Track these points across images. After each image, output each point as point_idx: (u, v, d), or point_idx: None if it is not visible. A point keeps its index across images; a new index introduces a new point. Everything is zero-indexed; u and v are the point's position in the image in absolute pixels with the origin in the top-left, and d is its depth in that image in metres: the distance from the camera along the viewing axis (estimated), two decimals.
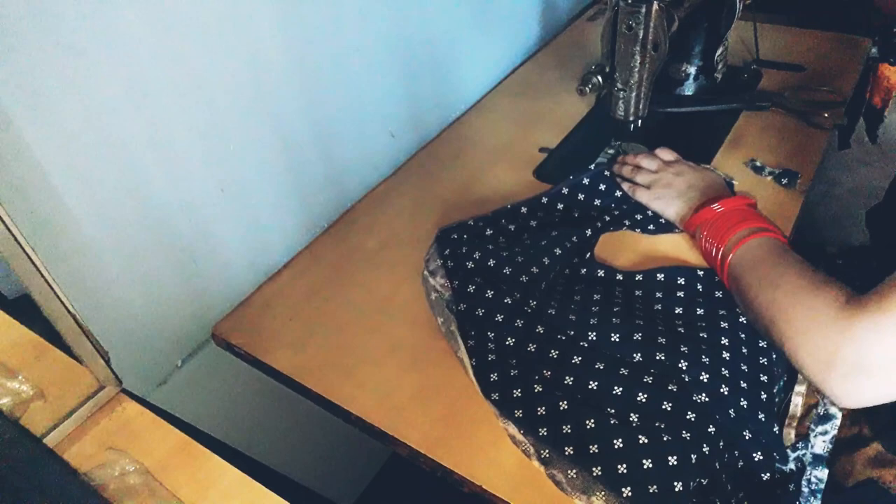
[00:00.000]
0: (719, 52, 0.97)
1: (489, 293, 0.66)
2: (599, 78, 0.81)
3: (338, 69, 0.79)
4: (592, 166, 0.87)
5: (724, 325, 0.63)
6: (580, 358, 0.60)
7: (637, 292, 0.68)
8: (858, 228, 1.73)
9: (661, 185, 0.76)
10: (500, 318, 0.64)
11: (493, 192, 0.86)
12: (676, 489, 0.50)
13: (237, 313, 0.73)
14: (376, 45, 0.84)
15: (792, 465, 0.59)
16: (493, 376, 0.60)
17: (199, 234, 0.69)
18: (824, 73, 1.00)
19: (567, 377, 0.59)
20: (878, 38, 1.05)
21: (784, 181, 0.80)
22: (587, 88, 0.81)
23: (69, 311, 0.52)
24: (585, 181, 0.80)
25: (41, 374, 0.57)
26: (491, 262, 0.70)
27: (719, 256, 0.64)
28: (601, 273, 0.71)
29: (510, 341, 0.63)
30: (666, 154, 0.80)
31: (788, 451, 0.63)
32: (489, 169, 0.90)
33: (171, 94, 0.61)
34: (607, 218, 0.77)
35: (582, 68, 1.10)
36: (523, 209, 0.79)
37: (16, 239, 0.47)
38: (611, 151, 0.89)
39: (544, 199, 0.80)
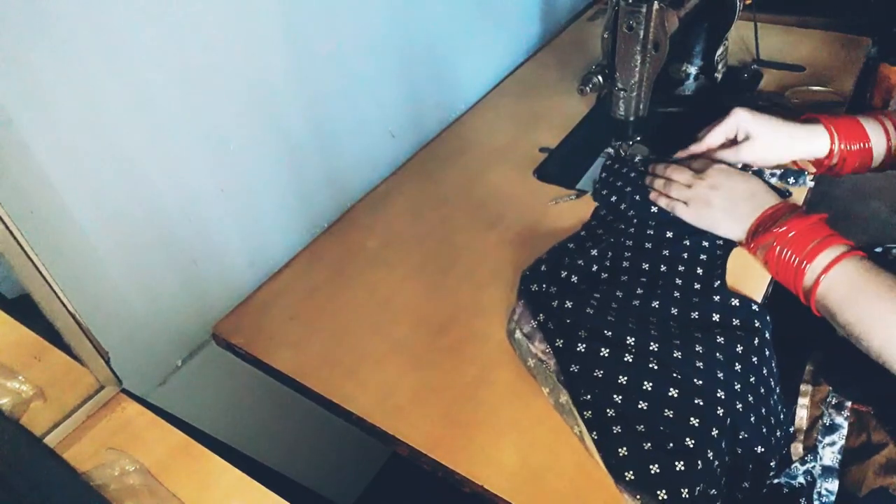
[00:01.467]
0: (719, 52, 0.97)
1: (604, 352, 0.59)
2: (599, 78, 0.81)
3: (338, 69, 0.79)
4: (596, 168, 0.85)
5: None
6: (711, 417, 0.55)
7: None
8: (858, 228, 1.73)
9: (701, 202, 0.71)
10: (623, 380, 0.57)
11: (493, 192, 0.86)
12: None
13: (237, 313, 0.73)
14: (376, 46, 0.84)
15: (802, 479, 0.58)
16: (623, 451, 0.54)
17: (199, 234, 0.69)
18: (824, 73, 1.00)
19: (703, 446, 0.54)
20: (877, 38, 1.05)
21: (790, 181, 0.77)
22: (587, 88, 0.81)
23: (69, 311, 0.52)
24: (637, 197, 0.77)
25: (41, 374, 0.57)
26: (589, 311, 0.63)
27: (805, 273, 0.60)
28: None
29: (642, 405, 0.56)
30: (696, 163, 0.75)
31: (797, 465, 0.63)
32: (489, 169, 0.90)
33: (172, 95, 0.61)
34: (669, 234, 0.73)
35: (582, 68, 1.10)
36: (582, 232, 0.77)
37: (16, 239, 0.47)
38: (609, 151, 0.88)
39: (593, 222, 0.78)
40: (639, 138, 0.86)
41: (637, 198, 0.76)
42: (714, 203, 0.70)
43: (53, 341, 0.58)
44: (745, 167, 0.76)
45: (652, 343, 0.59)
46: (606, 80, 0.82)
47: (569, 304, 0.65)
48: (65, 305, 0.52)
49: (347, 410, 0.61)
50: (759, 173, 0.77)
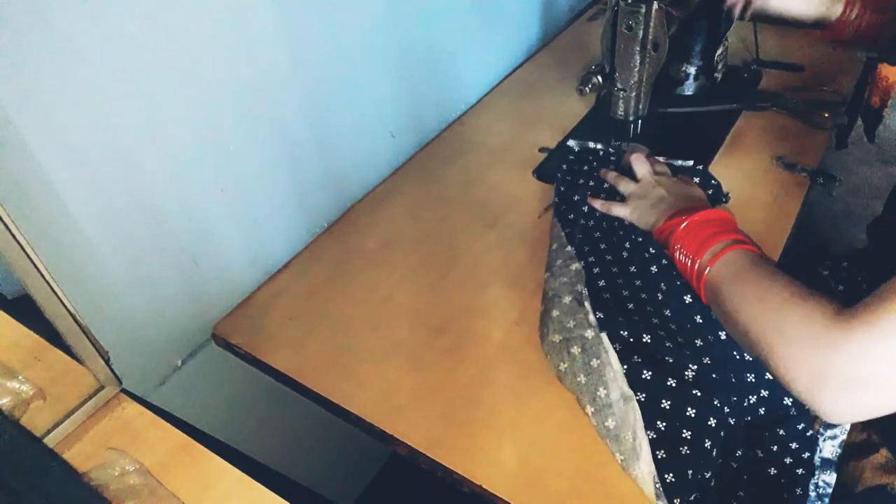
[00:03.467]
0: (719, 52, 0.97)
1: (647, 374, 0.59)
2: (599, 78, 0.82)
3: (338, 69, 0.79)
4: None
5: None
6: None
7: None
8: (857, 228, 1.73)
9: (637, 196, 0.74)
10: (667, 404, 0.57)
11: (493, 192, 0.86)
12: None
13: (237, 313, 0.73)
14: (376, 46, 0.84)
15: (800, 469, 0.59)
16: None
17: (199, 234, 0.69)
18: (824, 73, 1.00)
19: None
20: None
21: (820, 180, 0.79)
22: (587, 88, 0.82)
23: (69, 311, 0.52)
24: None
25: (41, 374, 0.57)
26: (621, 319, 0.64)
27: (696, 269, 0.62)
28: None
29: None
30: (658, 165, 0.79)
31: (806, 452, 0.63)
32: (489, 169, 0.90)
33: (172, 95, 0.61)
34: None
35: (582, 68, 1.10)
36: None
37: (16, 239, 0.47)
38: (570, 144, 0.89)
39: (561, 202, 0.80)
40: (638, 139, 0.86)
41: (588, 190, 0.80)
42: (649, 196, 0.73)
43: (53, 341, 0.58)
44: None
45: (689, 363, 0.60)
46: (606, 81, 0.82)
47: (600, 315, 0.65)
48: (65, 305, 0.52)
49: (347, 410, 0.61)
50: (791, 166, 0.79)
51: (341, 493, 1.16)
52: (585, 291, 0.66)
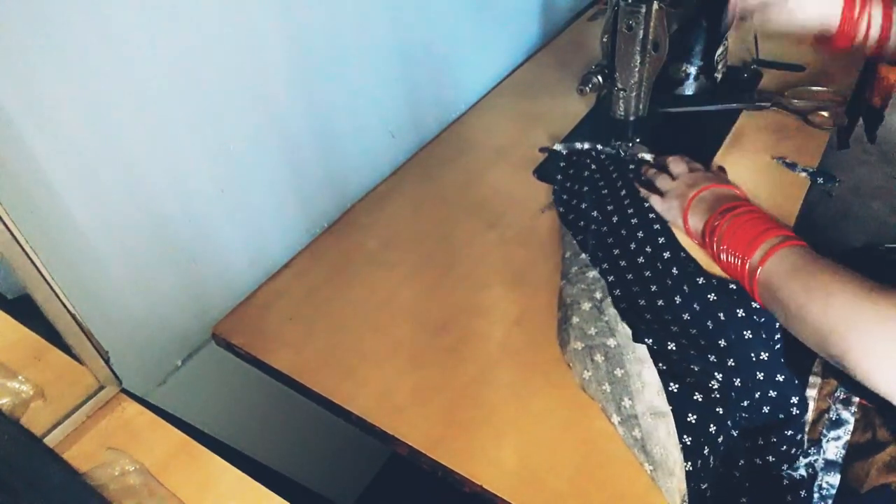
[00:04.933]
0: (719, 52, 0.97)
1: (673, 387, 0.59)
2: (599, 78, 0.81)
3: (338, 69, 0.79)
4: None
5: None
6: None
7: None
8: (857, 228, 1.73)
9: (674, 195, 0.74)
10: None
11: (493, 192, 0.86)
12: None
13: (237, 313, 0.73)
14: (376, 46, 0.84)
15: (803, 472, 0.59)
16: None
17: (199, 234, 0.69)
18: (824, 73, 1.00)
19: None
20: None
21: (820, 180, 0.79)
22: (587, 88, 0.81)
23: (69, 311, 0.52)
24: (594, 196, 0.79)
25: (41, 374, 0.57)
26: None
27: (747, 269, 0.61)
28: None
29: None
30: (693, 164, 0.78)
31: (800, 456, 0.63)
32: (489, 169, 0.90)
33: (172, 95, 0.61)
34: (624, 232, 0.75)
35: (582, 68, 1.09)
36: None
37: (16, 239, 0.47)
38: (554, 148, 0.89)
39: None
40: (638, 139, 0.86)
41: (594, 196, 0.79)
42: (685, 196, 0.72)
43: (53, 341, 0.58)
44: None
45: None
46: (606, 80, 0.82)
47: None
48: (65, 305, 0.51)
49: (347, 410, 0.61)
50: (792, 166, 0.79)
51: (341, 493, 1.16)
52: (609, 300, 0.65)
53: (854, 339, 0.50)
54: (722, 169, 0.81)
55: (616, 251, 0.72)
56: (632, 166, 0.82)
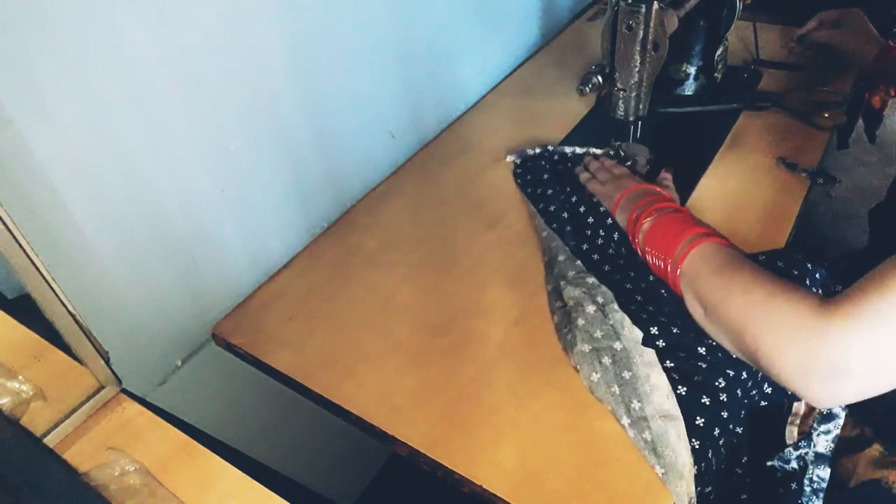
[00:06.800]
0: (719, 52, 0.97)
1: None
2: (599, 78, 0.81)
3: (338, 69, 0.79)
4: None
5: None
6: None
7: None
8: (857, 228, 1.73)
9: (602, 196, 0.76)
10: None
11: (493, 192, 0.86)
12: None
13: (237, 313, 0.73)
14: (376, 46, 0.84)
15: (794, 464, 0.59)
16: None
17: (199, 234, 0.69)
18: (824, 73, 1.00)
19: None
20: None
21: (820, 180, 0.79)
22: (587, 88, 0.81)
23: (69, 311, 0.52)
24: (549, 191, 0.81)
25: (41, 374, 0.57)
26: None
27: (669, 268, 0.62)
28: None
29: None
30: (607, 161, 0.81)
31: (790, 449, 0.63)
32: (489, 169, 0.90)
33: (172, 95, 0.61)
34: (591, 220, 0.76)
35: (582, 68, 1.10)
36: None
37: (16, 239, 0.47)
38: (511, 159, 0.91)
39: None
40: (638, 139, 0.86)
41: (559, 198, 0.80)
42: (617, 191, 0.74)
43: (53, 341, 0.58)
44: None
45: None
46: (606, 81, 0.82)
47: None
48: (65, 305, 0.52)
49: (347, 410, 0.61)
50: (793, 166, 0.80)
51: (341, 493, 1.16)
52: (614, 304, 0.65)
53: (763, 334, 0.51)
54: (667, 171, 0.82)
55: (595, 256, 0.72)
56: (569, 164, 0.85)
